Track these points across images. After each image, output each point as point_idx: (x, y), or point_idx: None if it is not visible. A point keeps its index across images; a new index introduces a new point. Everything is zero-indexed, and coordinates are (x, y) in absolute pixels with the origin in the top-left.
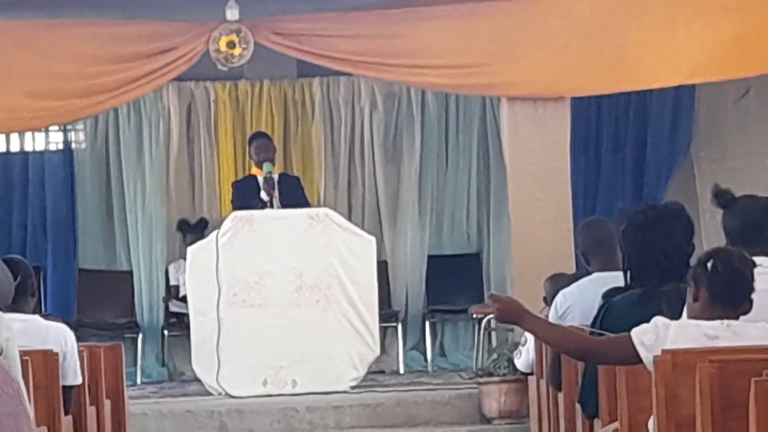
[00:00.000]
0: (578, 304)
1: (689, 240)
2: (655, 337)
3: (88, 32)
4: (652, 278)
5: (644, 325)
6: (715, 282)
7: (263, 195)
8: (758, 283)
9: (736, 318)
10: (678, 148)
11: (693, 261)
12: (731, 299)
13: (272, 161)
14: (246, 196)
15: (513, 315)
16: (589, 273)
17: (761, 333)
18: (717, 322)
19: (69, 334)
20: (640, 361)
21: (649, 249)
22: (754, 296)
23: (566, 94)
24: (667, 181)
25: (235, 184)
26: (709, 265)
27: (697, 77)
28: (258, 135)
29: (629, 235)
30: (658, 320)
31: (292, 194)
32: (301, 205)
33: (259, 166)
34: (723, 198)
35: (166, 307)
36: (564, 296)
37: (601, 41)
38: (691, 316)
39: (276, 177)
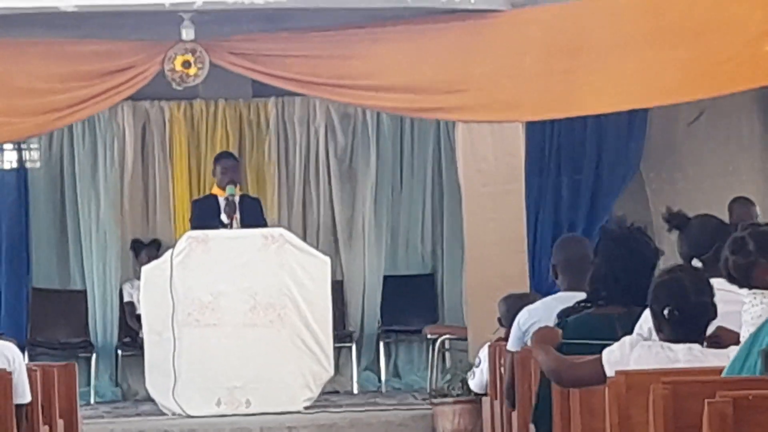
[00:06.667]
0: (543, 321)
1: (653, 267)
2: (620, 355)
3: (42, 51)
4: (614, 295)
5: (615, 344)
6: (676, 324)
7: (224, 218)
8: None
9: (701, 340)
10: (627, 169)
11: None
12: (695, 329)
13: (236, 183)
14: (205, 216)
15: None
16: (543, 293)
17: (722, 360)
18: (681, 346)
19: (16, 353)
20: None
21: (620, 263)
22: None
23: (520, 119)
24: (615, 201)
25: (195, 203)
26: (666, 313)
27: (649, 102)
28: (224, 155)
29: (606, 246)
30: (627, 339)
31: (253, 216)
32: (261, 227)
33: (223, 187)
34: (676, 221)
35: (126, 322)
36: (529, 312)
37: (553, 64)
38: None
39: (237, 199)
